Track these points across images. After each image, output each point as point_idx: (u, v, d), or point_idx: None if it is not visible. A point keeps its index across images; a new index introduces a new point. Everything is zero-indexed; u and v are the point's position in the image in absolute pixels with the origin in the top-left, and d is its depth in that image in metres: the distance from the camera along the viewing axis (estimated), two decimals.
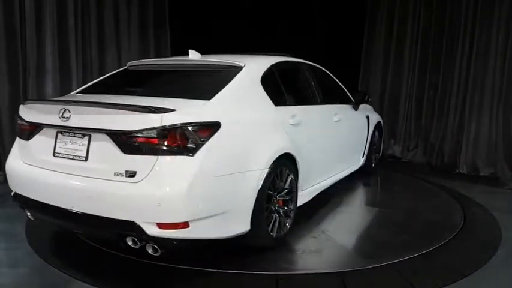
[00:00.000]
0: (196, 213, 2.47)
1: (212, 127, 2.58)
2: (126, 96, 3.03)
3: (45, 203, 2.68)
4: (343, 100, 4.83)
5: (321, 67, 4.65)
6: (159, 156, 2.42)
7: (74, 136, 2.66)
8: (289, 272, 2.92)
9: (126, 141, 2.46)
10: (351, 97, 5.00)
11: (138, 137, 2.43)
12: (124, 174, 2.46)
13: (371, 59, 7.35)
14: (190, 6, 7.14)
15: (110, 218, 2.47)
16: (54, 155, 2.72)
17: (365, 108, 5.37)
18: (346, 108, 4.74)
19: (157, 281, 2.75)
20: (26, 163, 2.88)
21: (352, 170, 5.02)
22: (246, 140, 2.87)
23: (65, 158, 2.68)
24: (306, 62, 4.31)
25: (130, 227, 2.43)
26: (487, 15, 5.93)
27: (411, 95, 6.98)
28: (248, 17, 7.32)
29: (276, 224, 3.14)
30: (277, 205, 3.18)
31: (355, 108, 4.93)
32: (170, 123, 2.42)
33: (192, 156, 2.45)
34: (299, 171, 3.41)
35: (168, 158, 2.42)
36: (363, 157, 5.33)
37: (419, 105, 6.90)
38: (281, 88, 3.56)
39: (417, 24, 6.81)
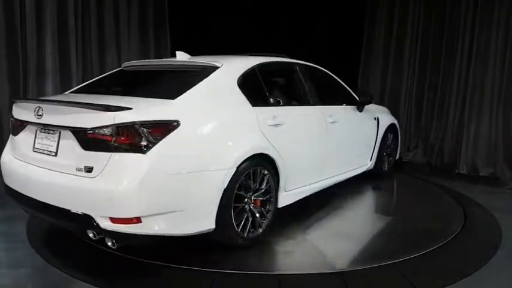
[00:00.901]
0: (148, 209, 2.52)
1: (168, 126, 2.61)
2: (105, 96, 3.13)
3: (27, 195, 2.85)
4: (346, 101, 4.71)
5: (319, 68, 4.57)
6: (112, 153, 2.51)
7: (48, 133, 2.83)
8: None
9: (85, 138, 2.59)
10: (357, 98, 4.85)
11: (95, 134, 2.55)
12: (83, 170, 2.57)
13: (371, 59, 7.36)
14: (190, 7, 7.14)
15: (71, 211, 2.58)
16: (33, 150, 2.91)
17: (374, 110, 5.22)
18: (346, 109, 4.64)
19: (157, 281, 2.76)
20: (15, 157, 3.08)
21: (356, 173, 4.88)
22: (210, 139, 2.88)
23: (41, 153, 2.85)
24: (300, 62, 4.24)
25: (87, 221, 2.53)
26: (486, 15, 5.94)
27: (411, 95, 6.99)
28: (248, 17, 7.32)
29: (249, 224, 3.14)
30: (252, 205, 3.19)
31: (360, 109, 4.78)
32: (122, 121, 2.50)
33: (143, 154, 2.50)
34: (280, 172, 3.40)
35: (120, 155, 2.51)
36: (370, 160, 5.17)
37: (419, 105, 6.90)
38: (263, 89, 3.55)
39: (417, 24, 6.81)
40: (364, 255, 3.23)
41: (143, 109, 2.62)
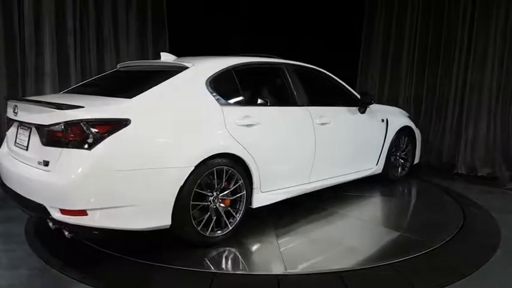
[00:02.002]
0: (93, 203, 2.63)
1: (115, 124, 2.70)
2: (84, 95, 3.33)
3: (9, 186, 3.11)
4: (346, 102, 4.57)
5: (315, 68, 4.46)
6: (63, 149, 2.68)
7: (23, 129, 3.08)
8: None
9: (44, 134, 2.80)
10: (360, 99, 4.67)
11: (50, 130, 2.75)
12: (42, 163, 2.77)
13: (369, 60, 7.37)
14: (189, 7, 7.14)
15: (34, 201, 2.80)
16: (15, 145, 3.18)
17: (384, 111, 5.07)
18: (343, 110, 4.49)
19: (156, 282, 2.76)
20: (5, 151, 3.36)
21: (358, 177, 4.73)
22: (166, 138, 2.93)
23: (18, 147, 3.12)
24: (289, 62, 4.16)
25: (44, 211, 2.70)
26: (484, 16, 5.95)
27: (409, 96, 6.99)
28: (247, 17, 7.33)
29: (212, 223, 3.17)
30: (219, 204, 3.22)
31: (362, 111, 4.61)
32: (71, 119, 2.65)
33: (89, 150, 2.62)
34: (252, 172, 3.40)
35: (68, 150, 2.67)
36: (377, 164, 4.98)
37: (417, 105, 6.91)
38: (237, 89, 3.55)
39: (415, 25, 6.82)
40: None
41: (94, 108, 2.76)
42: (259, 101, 3.81)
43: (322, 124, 4.05)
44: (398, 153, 5.35)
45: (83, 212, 2.61)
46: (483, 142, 6.10)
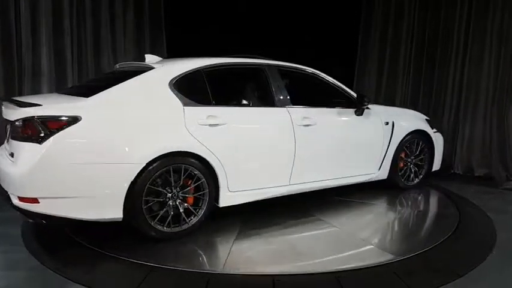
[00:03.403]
0: (43, 192, 2.89)
1: (65, 120, 2.92)
2: (60, 95, 3.62)
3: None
4: (340, 104, 4.37)
5: (305, 68, 4.29)
6: (21, 142, 2.96)
7: (9, 125, 3.23)
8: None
9: (12, 129, 3.11)
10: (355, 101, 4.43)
11: (14, 125, 3.05)
12: (11, 155, 3.07)
13: (366, 60, 7.38)
14: (186, 8, 7.13)
15: (2, 188, 3.10)
16: (7, 141, 3.37)
17: (388, 113, 4.76)
18: (333, 112, 4.29)
19: (153, 282, 2.75)
20: (3, 146, 3.54)
21: (353, 181, 4.49)
22: (118, 135, 3.08)
23: (7, 142, 3.37)
24: (272, 63, 4.07)
25: (7, 197, 3.03)
26: (481, 17, 5.97)
27: (406, 96, 7.01)
28: (245, 17, 7.32)
29: (169, 219, 3.28)
30: (179, 201, 3.33)
31: (358, 112, 4.39)
32: (25, 116, 2.93)
33: (39, 144, 2.86)
34: (217, 171, 3.45)
35: (24, 143, 2.94)
36: (379, 169, 4.69)
37: (414, 106, 6.92)
38: (205, 89, 3.58)
39: (412, 26, 6.84)
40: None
41: (49, 106, 3.02)
42: (233, 101, 3.80)
43: (306, 126, 3.96)
44: (409, 159, 5.03)
45: (35, 200, 2.87)
46: (479, 142, 6.12)
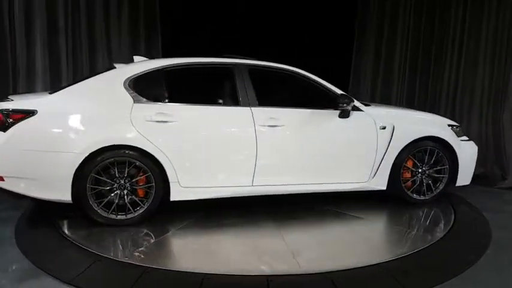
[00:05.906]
0: (6, 172, 3.42)
1: (23, 113, 3.43)
2: (42, 93, 3.98)
3: None
4: (326, 105, 4.10)
5: (285, 68, 4.13)
6: None
7: None
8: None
9: None
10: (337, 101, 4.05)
11: None
12: None
13: (361, 59, 7.38)
14: (182, 6, 7.11)
15: None
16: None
17: (389, 116, 4.32)
18: (308, 113, 4.04)
19: (146, 284, 2.74)
20: None
21: (333, 189, 4.15)
22: (66, 127, 3.49)
23: None
24: (245, 62, 4.02)
25: None
26: (476, 16, 5.98)
27: (402, 95, 7.01)
28: (241, 17, 7.31)
29: (113, 206, 3.58)
30: (126, 191, 3.60)
31: (343, 115, 4.05)
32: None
33: (4, 132, 3.41)
34: (164, 166, 3.62)
35: None
36: (373, 177, 4.22)
37: (410, 105, 6.93)
38: (161, 88, 3.89)
39: (407, 25, 6.85)
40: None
41: (16, 100, 3.55)
42: (192, 100, 3.80)
43: (272, 126, 3.85)
44: (420, 170, 4.42)
45: (1, 178, 3.41)
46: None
